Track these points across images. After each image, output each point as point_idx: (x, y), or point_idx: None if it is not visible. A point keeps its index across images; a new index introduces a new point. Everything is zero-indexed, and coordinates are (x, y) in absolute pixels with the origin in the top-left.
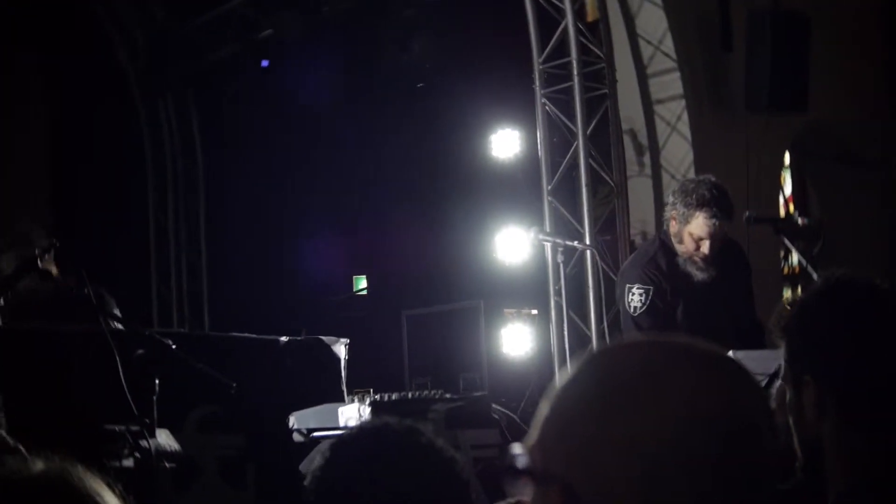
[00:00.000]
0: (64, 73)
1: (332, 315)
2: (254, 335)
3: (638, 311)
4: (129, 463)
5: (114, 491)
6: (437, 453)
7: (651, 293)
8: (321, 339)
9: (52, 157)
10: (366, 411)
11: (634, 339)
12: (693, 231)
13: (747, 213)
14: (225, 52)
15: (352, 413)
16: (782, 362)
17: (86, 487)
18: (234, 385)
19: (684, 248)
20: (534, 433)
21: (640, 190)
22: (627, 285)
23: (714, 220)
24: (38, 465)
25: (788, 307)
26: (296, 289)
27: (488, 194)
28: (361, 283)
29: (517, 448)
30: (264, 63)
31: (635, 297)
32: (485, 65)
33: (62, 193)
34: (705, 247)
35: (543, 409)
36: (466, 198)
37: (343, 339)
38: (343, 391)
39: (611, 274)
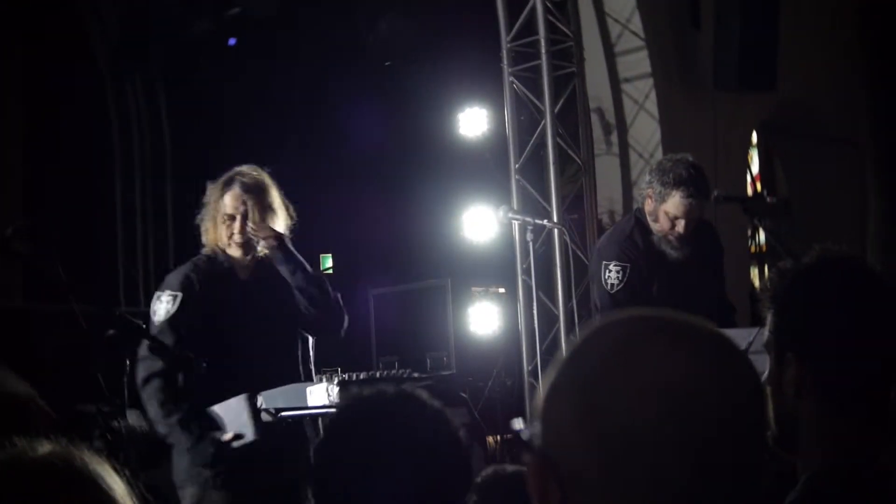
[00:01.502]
0: (35, 51)
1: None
2: None
3: (615, 288)
4: (99, 444)
5: (119, 474)
6: (435, 416)
7: (628, 270)
8: None
9: (23, 134)
10: (334, 391)
11: (629, 314)
12: (669, 210)
13: (716, 193)
14: (193, 31)
15: (320, 393)
16: (765, 332)
17: (90, 470)
18: (204, 365)
19: (659, 226)
20: (538, 402)
21: (607, 168)
22: (604, 262)
23: (690, 200)
24: (44, 448)
25: (780, 275)
26: None
27: (456, 172)
28: (327, 262)
29: (518, 422)
30: (231, 41)
31: (612, 274)
32: (453, 43)
33: (31, 171)
34: (680, 226)
35: (544, 384)
36: (434, 176)
37: None
38: (311, 370)
39: (579, 253)
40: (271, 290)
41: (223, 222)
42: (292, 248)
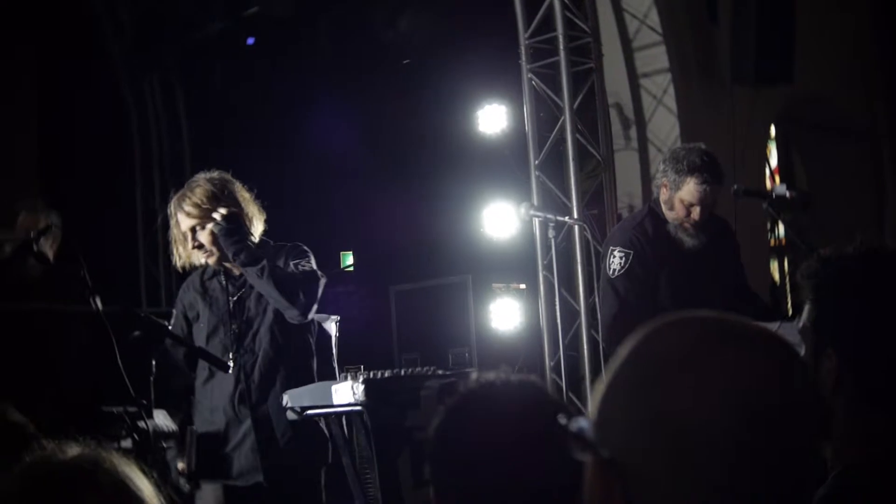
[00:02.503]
0: (51, 51)
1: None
2: None
3: (616, 274)
4: (127, 444)
5: (147, 477)
6: (554, 406)
7: (631, 257)
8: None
9: (41, 136)
10: (359, 389)
11: (686, 314)
12: (684, 197)
13: (735, 186)
14: (211, 30)
15: (345, 391)
16: (798, 323)
17: (119, 472)
18: (230, 365)
19: (675, 214)
20: (593, 405)
21: (626, 164)
22: (610, 247)
23: (705, 186)
24: (73, 450)
25: (822, 265)
26: None
27: (475, 169)
28: (348, 259)
29: (581, 419)
30: (250, 40)
31: (615, 260)
32: (471, 40)
33: (50, 173)
34: (696, 213)
35: (601, 382)
36: (454, 173)
37: (334, 317)
38: (335, 368)
39: (599, 248)
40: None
41: (185, 241)
42: (240, 229)
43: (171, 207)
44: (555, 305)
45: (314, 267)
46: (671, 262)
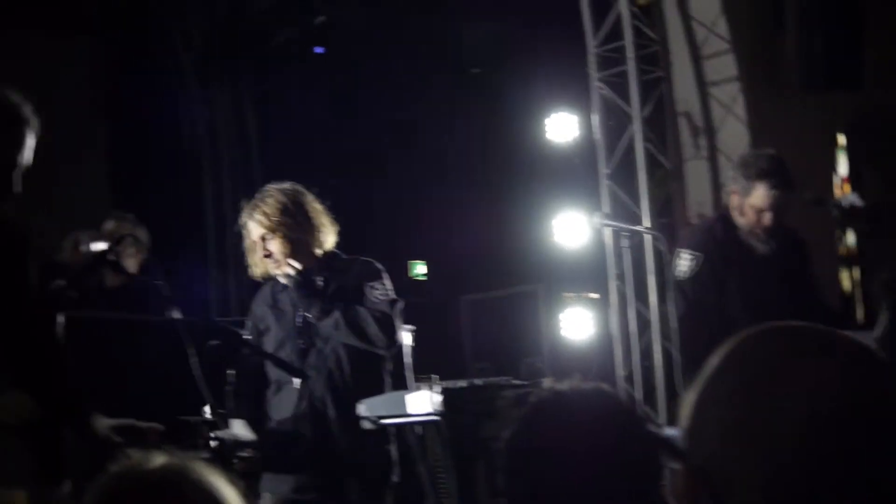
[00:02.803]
0: (121, 63)
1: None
2: None
3: (684, 277)
4: (205, 454)
5: (234, 486)
6: (627, 414)
7: (700, 261)
8: None
9: (110, 146)
10: (437, 399)
11: (777, 324)
12: (754, 203)
13: (805, 195)
14: (280, 40)
15: (422, 400)
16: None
17: (206, 482)
18: (308, 375)
19: (746, 220)
20: (683, 413)
21: (696, 173)
22: (678, 250)
23: (775, 191)
24: (159, 460)
25: None
26: None
27: (545, 178)
28: (418, 268)
29: (673, 429)
30: (319, 50)
31: (683, 263)
32: (540, 49)
33: (118, 184)
34: (766, 218)
35: (691, 392)
36: (524, 182)
37: (408, 326)
38: (409, 378)
39: (670, 257)
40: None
41: (256, 250)
42: (310, 284)
43: (244, 217)
44: (626, 315)
45: (388, 290)
46: (741, 268)
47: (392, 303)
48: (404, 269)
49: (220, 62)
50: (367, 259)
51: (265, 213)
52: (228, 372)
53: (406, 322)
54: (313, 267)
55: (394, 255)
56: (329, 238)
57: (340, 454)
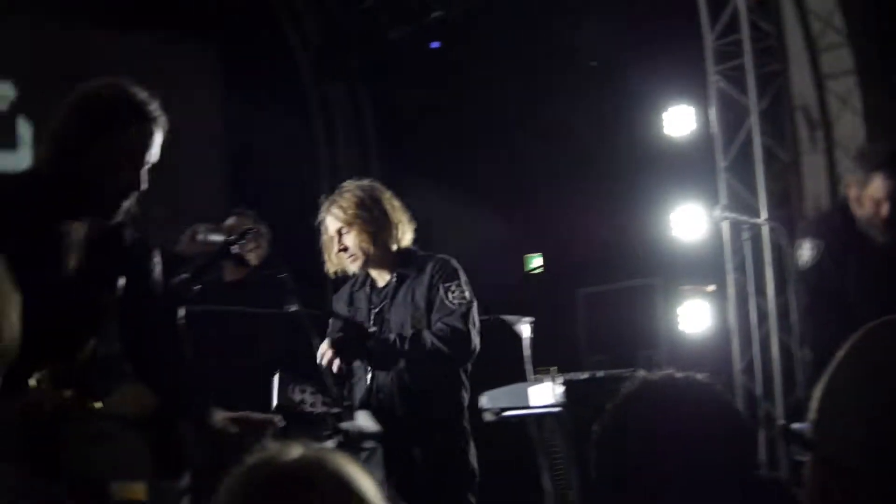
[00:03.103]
0: (237, 62)
1: (506, 294)
2: None
3: (806, 266)
4: (331, 445)
5: (369, 477)
6: (726, 405)
7: (821, 248)
8: (503, 319)
9: (229, 145)
10: (559, 391)
11: None
12: (872, 194)
13: None
14: (394, 36)
15: (544, 392)
16: None
17: (343, 473)
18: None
19: (863, 211)
20: (812, 405)
21: (813, 167)
22: (799, 239)
23: (892, 182)
24: (296, 451)
25: None
26: (470, 268)
27: (663, 171)
28: (534, 261)
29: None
30: (434, 45)
31: (805, 253)
32: (657, 42)
33: (238, 182)
34: (884, 209)
35: (819, 384)
36: (641, 175)
37: (527, 318)
38: (527, 370)
39: (789, 250)
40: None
41: (332, 245)
42: (378, 352)
43: (321, 213)
44: (744, 308)
45: (465, 291)
46: (860, 258)
47: (467, 308)
48: (521, 263)
49: (336, 61)
50: (445, 257)
51: (342, 208)
52: (353, 364)
53: (523, 314)
54: (388, 262)
55: (510, 249)
56: (406, 235)
57: (410, 453)
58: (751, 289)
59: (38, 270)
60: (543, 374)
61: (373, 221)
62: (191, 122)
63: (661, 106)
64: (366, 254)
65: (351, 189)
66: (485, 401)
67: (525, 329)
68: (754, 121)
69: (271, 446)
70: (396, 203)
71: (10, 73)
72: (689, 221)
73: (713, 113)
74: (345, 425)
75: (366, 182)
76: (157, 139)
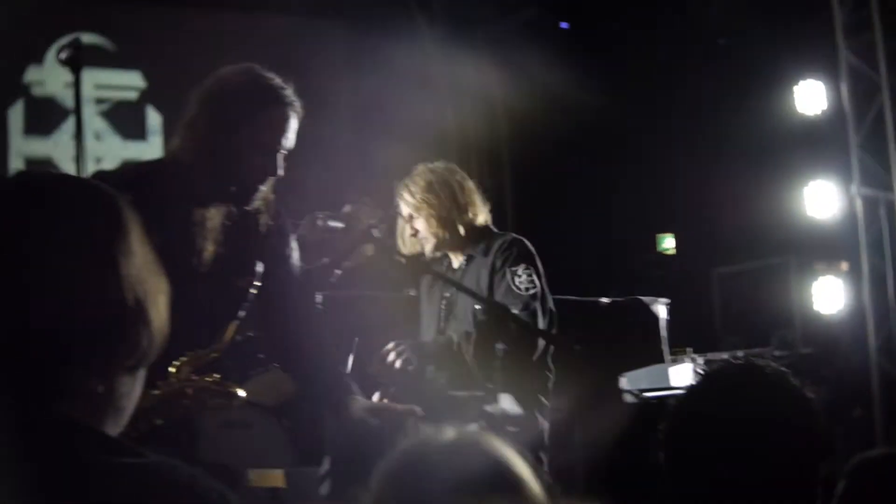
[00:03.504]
0: (365, 42)
1: (639, 274)
2: (574, 297)
3: None
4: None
5: (524, 459)
6: (804, 398)
7: None
8: (640, 300)
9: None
10: (700, 371)
11: None
12: None
13: None
14: (524, 15)
15: (685, 372)
16: None
17: (498, 453)
18: (577, 347)
19: None
20: None
21: None
22: None
23: None
24: (449, 433)
25: None
26: (601, 250)
27: (794, 148)
28: (665, 241)
29: None
30: (564, 25)
31: None
32: (786, 16)
33: (369, 160)
34: None
35: None
36: (772, 152)
37: (663, 299)
38: (664, 351)
39: None
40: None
41: (404, 229)
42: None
43: (396, 197)
44: (880, 286)
45: (534, 276)
46: None
47: (533, 295)
48: (652, 243)
49: (463, 39)
50: (518, 238)
51: (410, 192)
52: (497, 346)
53: (657, 295)
54: (461, 244)
55: (642, 229)
56: (480, 216)
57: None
58: (887, 266)
59: (175, 258)
60: (680, 355)
61: (441, 205)
62: (320, 106)
63: (792, 82)
64: (436, 237)
65: (421, 172)
66: (624, 382)
67: (661, 310)
68: (886, 96)
69: (424, 430)
70: (469, 184)
71: (138, 63)
72: (822, 199)
73: (844, 88)
74: (489, 408)
75: (438, 164)
76: (293, 124)
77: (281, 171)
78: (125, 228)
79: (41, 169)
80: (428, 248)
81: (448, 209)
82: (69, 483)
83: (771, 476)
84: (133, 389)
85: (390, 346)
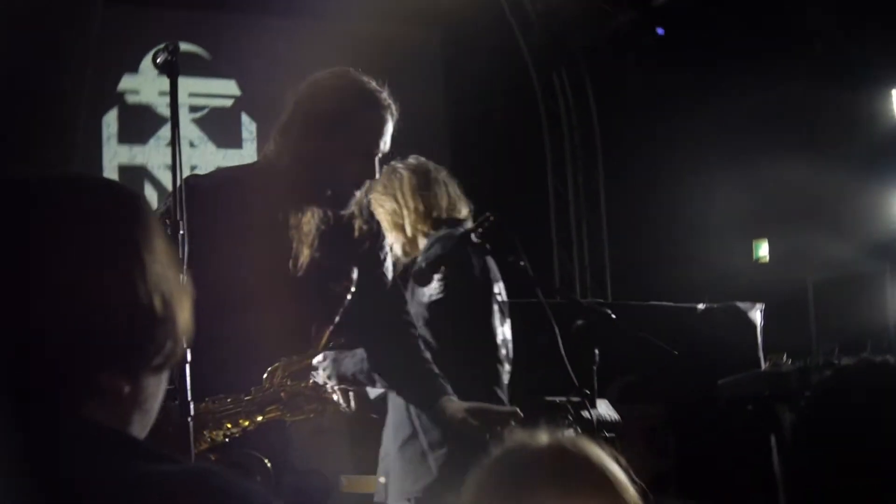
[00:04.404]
0: (459, 47)
1: (732, 281)
2: (670, 303)
3: None
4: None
5: (618, 462)
6: None
7: None
8: (737, 306)
9: (452, 133)
10: (794, 377)
11: None
12: None
13: None
14: (620, 21)
15: (779, 379)
16: None
17: (595, 457)
18: (676, 352)
19: None
20: None
21: None
22: None
23: None
24: (545, 437)
25: None
26: (695, 255)
27: (890, 153)
28: (761, 248)
29: None
30: (660, 31)
31: None
32: (879, 20)
33: (460, 165)
34: None
35: None
36: (868, 158)
37: (758, 305)
38: (760, 357)
39: None
40: None
41: None
42: None
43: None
44: None
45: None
46: None
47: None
48: (749, 251)
49: (558, 45)
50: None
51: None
52: (595, 351)
53: (753, 301)
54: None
55: (735, 235)
56: (462, 209)
57: None
58: None
59: (271, 263)
60: (776, 361)
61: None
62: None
63: (888, 87)
64: None
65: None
66: (721, 387)
67: (757, 316)
68: None
69: (519, 433)
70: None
71: (233, 72)
72: None
73: None
74: (585, 414)
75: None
76: (389, 128)
77: (378, 175)
78: (148, 227)
79: (59, 171)
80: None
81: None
82: (100, 491)
83: None
84: (158, 391)
85: None
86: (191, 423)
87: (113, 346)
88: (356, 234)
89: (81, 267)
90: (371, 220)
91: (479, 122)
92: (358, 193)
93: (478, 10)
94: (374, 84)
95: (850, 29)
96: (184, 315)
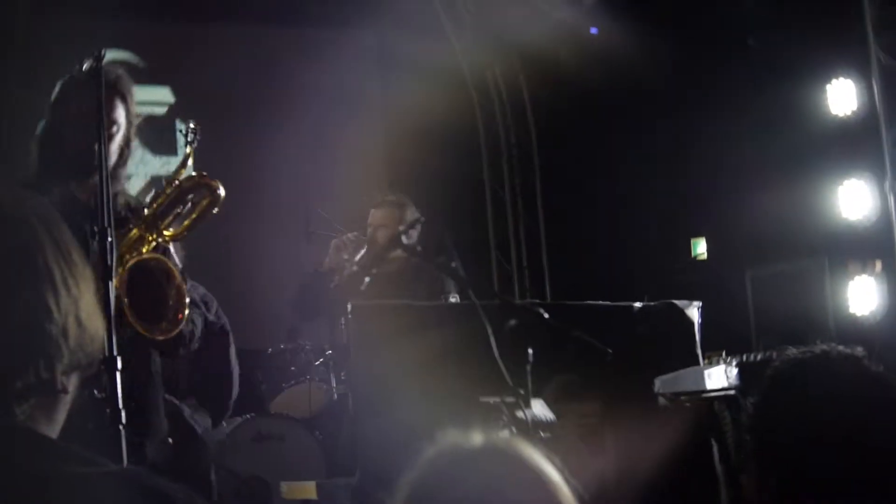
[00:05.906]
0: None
1: (671, 279)
2: (607, 303)
3: None
4: (506, 434)
5: (553, 463)
6: (883, 382)
7: None
8: (674, 304)
9: (386, 135)
10: (732, 373)
11: None
12: None
13: None
14: (554, 20)
15: (718, 375)
16: None
17: (528, 458)
18: (611, 351)
19: None
20: None
21: None
22: None
23: None
24: (478, 438)
25: None
26: (633, 254)
27: (826, 147)
28: (699, 246)
29: None
30: (593, 30)
31: None
32: (814, 14)
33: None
34: None
35: None
36: (804, 152)
37: (696, 303)
38: (698, 355)
39: None
40: None
41: None
42: None
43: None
44: None
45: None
46: None
47: None
48: (687, 248)
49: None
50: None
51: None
52: (528, 351)
53: (691, 298)
54: None
55: (673, 233)
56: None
57: None
58: None
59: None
60: (714, 358)
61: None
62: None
63: (823, 81)
64: None
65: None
66: (658, 385)
67: (695, 313)
68: None
69: (453, 434)
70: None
71: (167, 79)
72: (855, 198)
73: (876, 86)
74: (519, 414)
75: None
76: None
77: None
78: (35, 248)
79: None
80: None
81: None
82: (27, 495)
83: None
84: (70, 396)
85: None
86: (122, 431)
87: (24, 361)
88: None
89: None
90: None
91: (415, 124)
92: None
93: (413, 9)
94: None
95: (786, 23)
96: (92, 321)
